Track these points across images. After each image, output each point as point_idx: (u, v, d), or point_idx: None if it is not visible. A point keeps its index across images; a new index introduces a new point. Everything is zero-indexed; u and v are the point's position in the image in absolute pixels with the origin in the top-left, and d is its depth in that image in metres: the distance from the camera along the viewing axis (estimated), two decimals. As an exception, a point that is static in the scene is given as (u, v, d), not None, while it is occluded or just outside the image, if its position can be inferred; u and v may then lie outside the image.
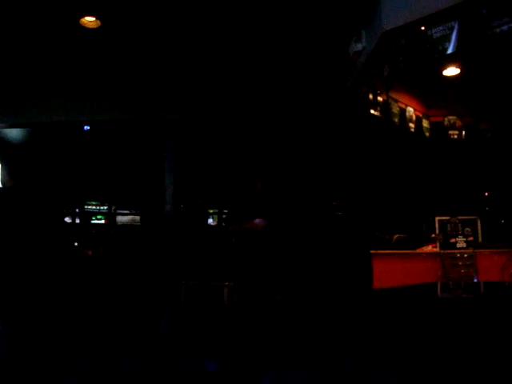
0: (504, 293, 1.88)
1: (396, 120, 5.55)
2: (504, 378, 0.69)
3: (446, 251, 5.42)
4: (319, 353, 0.82)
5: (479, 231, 5.55)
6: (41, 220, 8.22)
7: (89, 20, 4.22)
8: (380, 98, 5.26)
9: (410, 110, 5.84)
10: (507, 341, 0.93)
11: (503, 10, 3.11)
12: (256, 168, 8.17)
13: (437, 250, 5.50)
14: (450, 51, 3.44)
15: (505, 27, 3.08)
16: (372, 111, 5.11)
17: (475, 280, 5.05)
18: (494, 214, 6.69)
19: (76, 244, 8.71)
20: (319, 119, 5.87)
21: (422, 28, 3.58)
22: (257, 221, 5.26)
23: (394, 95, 5.50)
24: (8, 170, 7.73)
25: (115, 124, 6.31)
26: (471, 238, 5.53)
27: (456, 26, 3.38)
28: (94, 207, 10.36)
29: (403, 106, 5.70)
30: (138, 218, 10.69)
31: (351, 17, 4.18)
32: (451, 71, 4.81)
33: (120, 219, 10.74)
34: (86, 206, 10.21)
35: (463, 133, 6.33)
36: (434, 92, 5.80)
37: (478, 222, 5.59)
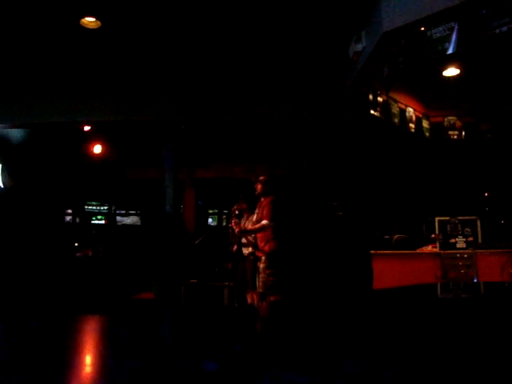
0: (504, 293, 1.89)
1: (396, 120, 5.56)
2: (505, 378, 0.69)
3: (446, 251, 5.42)
4: (319, 353, 0.82)
5: (479, 231, 5.55)
6: (41, 220, 8.22)
7: (89, 20, 4.22)
8: (380, 99, 5.26)
9: (410, 111, 5.84)
10: (507, 341, 0.93)
11: (503, 11, 3.12)
12: (256, 168, 8.18)
13: (437, 250, 5.50)
14: (449, 52, 3.45)
15: (504, 28, 3.08)
16: (372, 111, 5.11)
17: (475, 280, 5.05)
18: (494, 215, 6.69)
19: (76, 244, 8.72)
20: (319, 119, 5.87)
21: (422, 29, 3.58)
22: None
23: (393, 96, 5.51)
24: (8, 171, 7.73)
25: (115, 124, 6.32)
26: (471, 239, 5.53)
27: (456, 27, 3.38)
28: (94, 207, 10.37)
29: (403, 106, 5.71)
30: (138, 218, 10.71)
31: (351, 17, 4.18)
32: (451, 72, 4.81)
33: (120, 219, 10.76)
34: (86, 206, 10.23)
35: (463, 133, 6.33)
36: (433, 92, 5.82)
37: (478, 223, 5.59)
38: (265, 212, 4.78)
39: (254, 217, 5.01)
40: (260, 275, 4.76)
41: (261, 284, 4.71)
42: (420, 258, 5.50)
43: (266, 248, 4.75)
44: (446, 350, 0.88)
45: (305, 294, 5.24)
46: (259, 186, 4.96)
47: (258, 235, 4.87)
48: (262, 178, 5.01)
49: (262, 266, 4.74)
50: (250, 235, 5.10)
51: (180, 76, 5.62)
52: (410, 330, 1.08)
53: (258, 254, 4.89)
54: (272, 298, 4.52)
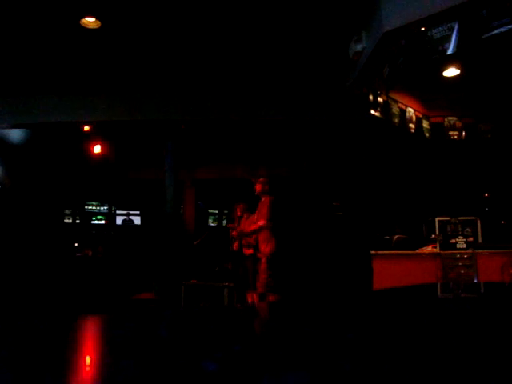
0: (504, 293, 1.89)
1: (396, 121, 5.55)
2: (505, 379, 0.69)
3: (446, 252, 5.42)
4: (319, 354, 0.82)
5: (479, 232, 5.54)
6: (41, 220, 8.22)
7: (89, 20, 4.22)
8: (380, 99, 5.26)
9: (410, 111, 5.84)
10: (507, 341, 0.93)
11: (503, 11, 3.12)
12: (257, 168, 8.18)
13: (437, 250, 5.50)
14: (449, 52, 3.45)
15: (504, 28, 3.08)
16: (372, 112, 5.11)
17: (475, 280, 5.05)
18: (494, 215, 6.69)
19: (76, 244, 8.72)
20: (319, 120, 5.87)
21: (422, 29, 3.58)
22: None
23: (394, 96, 5.50)
24: (8, 171, 7.73)
25: (115, 125, 6.32)
26: (471, 239, 5.52)
27: (456, 27, 3.38)
28: (94, 207, 10.37)
29: (403, 106, 5.71)
30: (138, 218, 10.70)
31: (351, 17, 4.18)
32: (451, 72, 4.81)
33: (120, 219, 10.74)
34: (86, 207, 10.22)
35: (463, 133, 6.33)
36: (434, 93, 5.81)
37: (478, 223, 5.58)
38: (262, 212, 4.80)
39: (255, 217, 5.03)
40: (260, 276, 4.77)
41: (261, 285, 4.73)
42: (420, 259, 5.49)
43: (267, 250, 4.77)
44: (446, 350, 0.88)
45: (305, 294, 5.24)
46: (259, 187, 4.97)
47: (259, 237, 4.89)
48: (261, 179, 5.04)
49: (262, 267, 4.76)
50: (250, 237, 5.12)
51: (180, 76, 5.62)
52: (410, 330, 1.08)
53: (259, 255, 4.90)
54: (272, 299, 4.52)
